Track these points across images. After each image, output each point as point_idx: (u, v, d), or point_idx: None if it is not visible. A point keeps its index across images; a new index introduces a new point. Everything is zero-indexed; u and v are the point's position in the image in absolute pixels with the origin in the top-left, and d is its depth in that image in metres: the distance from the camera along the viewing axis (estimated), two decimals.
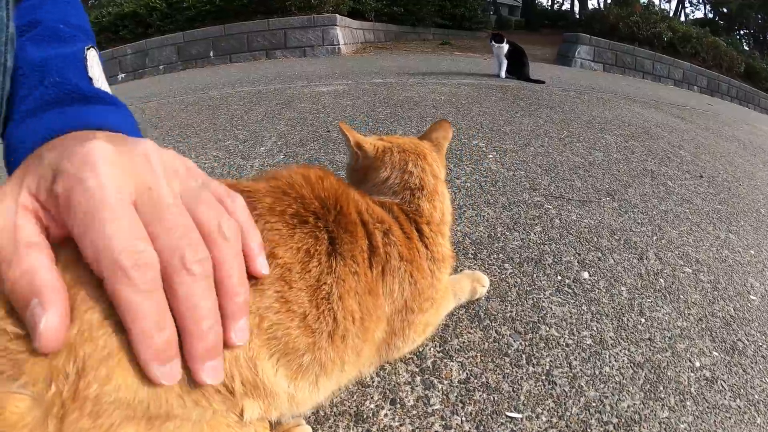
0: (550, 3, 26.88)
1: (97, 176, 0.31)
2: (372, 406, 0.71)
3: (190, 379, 0.36)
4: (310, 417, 0.69)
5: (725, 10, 16.58)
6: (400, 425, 0.68)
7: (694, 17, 22.33)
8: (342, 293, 0.53)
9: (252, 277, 0.40)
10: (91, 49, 0.49)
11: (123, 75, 7.28)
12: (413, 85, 3.64)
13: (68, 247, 0.32)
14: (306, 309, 0.49)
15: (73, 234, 0.30)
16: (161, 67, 7.16)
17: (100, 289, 0.31)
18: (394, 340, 0.65)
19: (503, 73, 4.86)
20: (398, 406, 0.72)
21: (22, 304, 0.29)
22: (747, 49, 15.18)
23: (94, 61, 0.49)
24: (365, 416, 0.69)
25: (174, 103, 3.37)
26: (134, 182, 0.33)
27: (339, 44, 7.02)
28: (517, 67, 4.72)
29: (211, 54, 7.17)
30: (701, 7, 23.02)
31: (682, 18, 18.92)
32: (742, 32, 17.93)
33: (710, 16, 19.73)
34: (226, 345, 0.36)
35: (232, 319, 0.35)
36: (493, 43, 4.81)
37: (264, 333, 0.44)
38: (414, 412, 0.71)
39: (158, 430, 0.35)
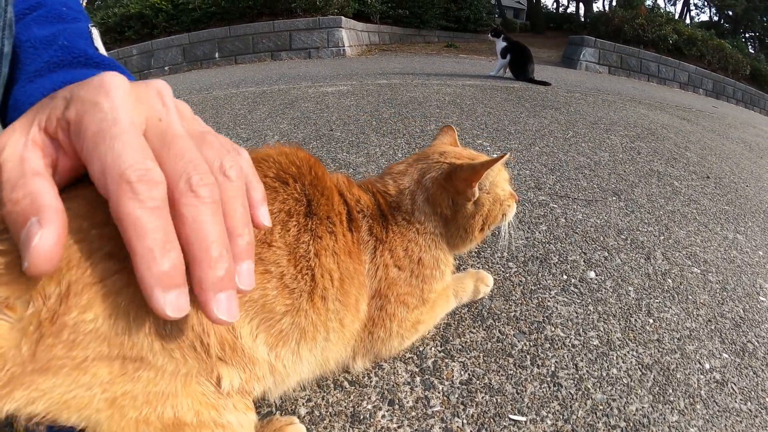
0: (555, 6, 26.86)
1: (111, 100, 0.30)
2: (369, 406, 0.69)
3: (169, 326, 0.35)
4: (304, 417, 0.67)
5: (730, 13, 16.49)
6: (398, 427, 0.66)
7: (700, 20, 22.23)
8: (319, 250, 0.53)
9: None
10: (94, 27, 0.50)
11: None
12: (417, 85, 3.63)
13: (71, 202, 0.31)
14: (284, 269, 0.49)
15: (82, 156, 0.30)
16: (166, 68, 7.19)
17: (94, 228, 0.31)
18: (375, 330, 0.64)
19: (495, 71, 4.77)
20: (397, 407, 0.69)
21: (20, 223, 0.28)
22: (752, 51, 15.12)
23: (97, 38, 0.50)
24: (362, 417, 0.67)
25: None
26: (146, 112, 0.32)
27: (344, 46, 7.02)
28: (520, 67, 4.59)
29: (217, 55, 7.19)
30: (706, 9, 22.95)
31: (687, 21, 18.82)
32: (747, 35, 17.83)
33: (715, 18, 19.63)
34: (237, 289, 0.33)
35: (236, 259, 0.33)
36: (491, 37, 4.76)
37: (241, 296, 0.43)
38: (413, 413, 0.68)
39: (131, 378, 0.34)
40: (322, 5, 7.38)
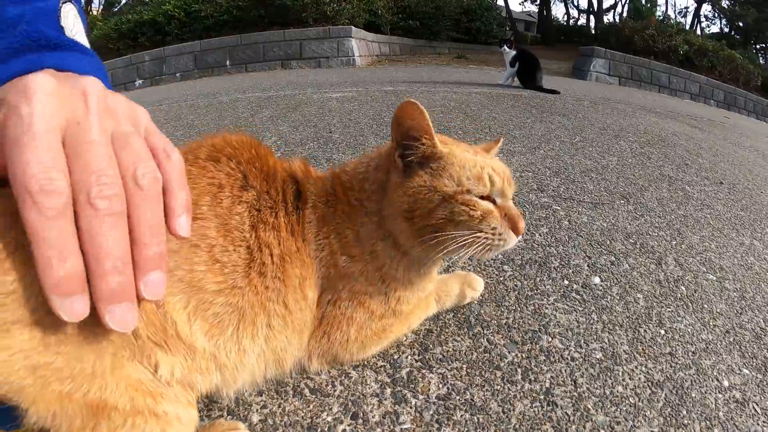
0: (565, 18, 26.88)
1: (30, 104, 0.32)
2: (329, 419, 0.60)
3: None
4: (256, 424, 0.58)
5: (741, 24, 16.29)
6: None
7: (710, 31, 22.04)
8: (256, 223, 0.51)
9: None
10: (68, 3, 0.49)
11: (140, 81, 7.40)
12: (423, 92, 3.57)
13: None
14: (213, 241, 0.47)
15: (6, 161, 0.31)
16: (178, 74, 7.27)
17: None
18: (332, 333, 0.59)
19: (504, 80, 4.73)
20: (360, 421, 0.60)
21: None
22: (764, 62, 14.93)
23: (69, 14, 0.49)
24: (319, 430, 0.58)
25: (184, 106, 3.37)
26: (66, 115, 0.33)
27: (354, 56, 7.04)
28: (528, 76, 4.53)
29: (228, 63, 7.26)
30: (717, 21, 22.78)
31: (698, 32, 18.64)
32: (758, 46, 17.58)
33: (726, 30, 19.42)
34: (138, 296, 0.34)
35: (140, 269, 0.34)
36: (504, 48, 4.72)
37: (168, 275, 0.40)
38: (378, 430, 0.59)
39: (55, 351, 0.35)
40: (333, 15, 7.44)
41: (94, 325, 0.35)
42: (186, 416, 0.45)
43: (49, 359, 0.35)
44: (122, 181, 0.34)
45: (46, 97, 0.33)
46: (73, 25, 0.49)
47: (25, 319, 0.33)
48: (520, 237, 0.59)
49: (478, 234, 0.54)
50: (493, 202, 0.57)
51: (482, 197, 0.56)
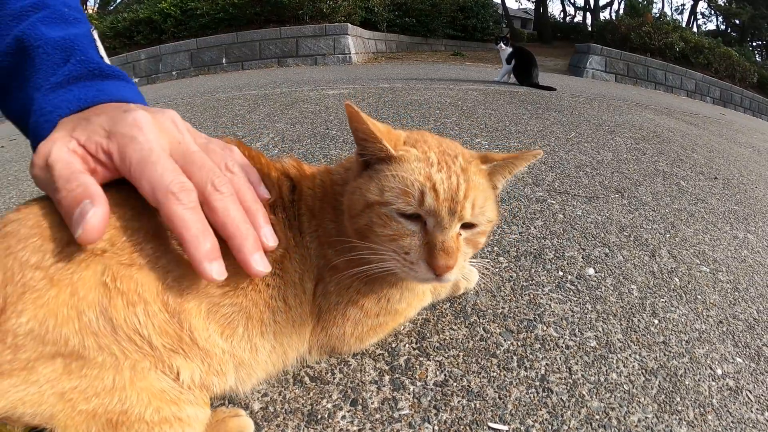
0: (562, 16, 26.89)
1: (145, 134, 0.42)
2: (329, 405, 0.61)
3: (100, 322, 0.39)
4: (257, 412, 0.59)
5: (737, 22, 16.34)
6: (359, 430, 0.57)
7: (706, 29, 22.09)
8: None
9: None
10: (94, 30, 0.58)
11: (137, 80, 7.36)
12: (420, 89, 3.57)
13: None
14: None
15: (130, 178, 0.41)
16: (174, 72, 7.23)
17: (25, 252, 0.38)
18: (328, 327, 0.58)
19: (500, 77, 4.74)
20: (360, 407, 0.61)
21: (73, 206, 0.38)
22: (759, 60, 14.98)
23: (98, 41, 0.57)
24: (319, 416, 0.59)
25: (181, 104, 3.36)
26: (168, 138, 0.44)
27: (350, 53, 7.02)
28: (524, 73, 4.54)
29: (224, 61, 7.23)
30: (713, 18, 22.85)
31: (695, 29, 18.68)
32: (754, 43, 17.63)
33: (722, 27, 19.48)
34: (264, 248, 0.45)
35: (258, 227, 0.46)
36: (500, 45, 4.73)
37: (177, 283, 0.44)
38: (377, 416, 0.60)
39: (78, 375, 0.38)
40: (329, 12, 7.41)
41: (110, 344, 0.40)
42: (202, 415, 0.48)
43: (74, 383, 0.38)
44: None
45: (152, 127, 0.43)
46: (103, 52, 0.58)
47: (46, 353, 0.37)
48: (449, 276, 0.50)
49: (390, 253, 0.50)
50: (425, 223, 0.50)
51: (407, 215, 0.49)
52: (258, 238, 0.44)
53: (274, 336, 0.51)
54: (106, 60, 0.56)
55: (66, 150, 0.41)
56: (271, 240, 0.46)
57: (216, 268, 0.40)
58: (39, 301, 0.37)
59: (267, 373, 0.55)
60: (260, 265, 0.43)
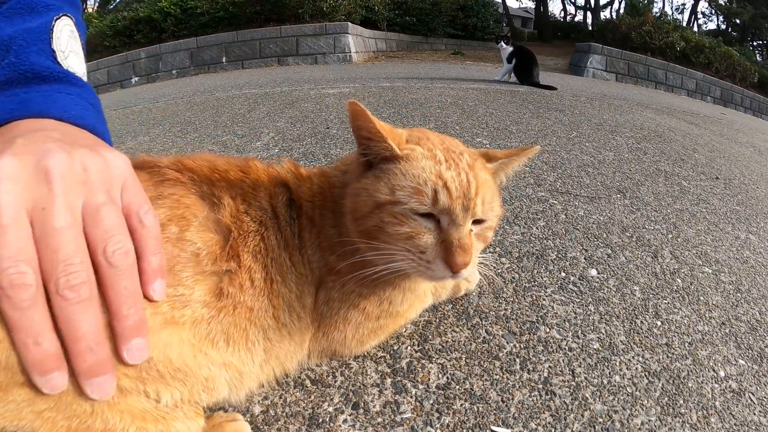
0: (562, 15, 26.85)
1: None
2: (330, 409, 0.60)
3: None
4: (258, 416, 0.59)
5: (738, 21, 16.31)
6: None
7: (707, 28, 22.06)
8: (227, 253, 0.48)
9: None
10: (63, 17, 0.49)
11: (137, 78, 7.35)
12: (420, 88, 3.56)
13: None
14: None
15: None
16: (174, 71, 7.22)
17: None
18: (329, 332, 0.58)
19: (500, 76, 4.73)
20: (361, 411, 0.60)
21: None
22: (760, 59, 14.97)
23: (63, 32, 0.49)
24: (320, 420, 0.58)
25: (181, 103, 3.35)
26: (32, 198, 0.35)
27: (350, 52, 7.01)
28: (525, 72, 4.52)
29: (224, 60, 7.22)
30: (714, 18, 22.82)
31: (695, 29, 18.65)
32: (755, 43, 17.61)
33: (723, 27, 19.45)
34: (122, 363, 0.38)
35: (121, 339, 0.37)
36: (501, 44, 4.72)
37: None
38: (379, 419, 0.59)
39: (51, 397, 0.37)
40: (330, 11, 7.41)
41: (75, 381, 0.37)
42: (194, 427, 0.46)
43: (50, 404, 0.37)
44: (94, 257, 0.36)
45: (11, 184, 0.34)
46: (66, 45, 0.49)
47: (17, 380, 0.35)
48: (463, 273, 0.49)
49: (405, 253, 0.49)
50: (439, 221, 0.50)
51: (421, 214, 0.49)
52: (100, 360, 0.36)
53: (265, 351, 0.50)
54: (75, 51, 0.49)
55: None
56: (137, 356, 0.38)
57: (49, 382, 0.35)
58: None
59: (261, 383, 0.55)
60: (95, 393, 0.37)
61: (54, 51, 0.47)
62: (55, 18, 0.48)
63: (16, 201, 0.34)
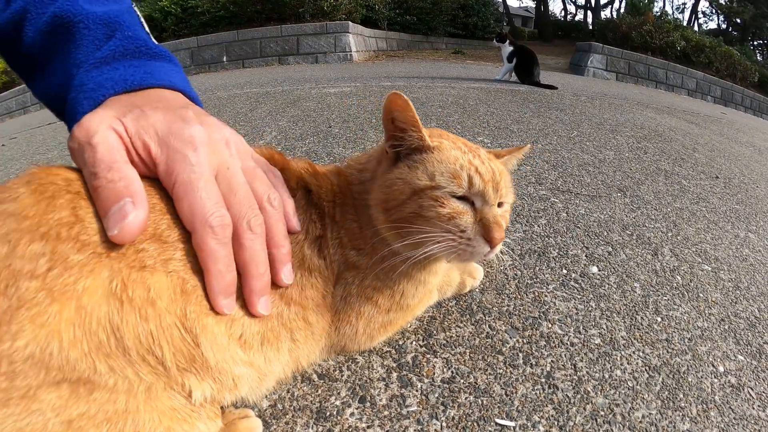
0: (563, 14, 26.84)
1: (198, 156, 0.41)
2: (338, 402, 0.61)
3: (113, 343, 0.36)
4: (266, 410, 0.60)
5: (738, 21, 16.32)
6: (368, 427, 0.58)
7: (707, 28, 22.05)
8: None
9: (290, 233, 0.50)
10: (136, 7, 0.56)
11: None
12: (421, 87, 3.57)
13: None
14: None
15: (171, 193, 0.41)
16: None
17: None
18: (341, 327, 0.59)
19: (501, 75, 4.74)
20: (368, 404, 0.61)
21: (111, 201, 0.37)
22: (760, 59, 14.98)
23: (141, 18, 0.55)
24: (328, 414, 0.60)
25: None
26: (218, 161, 0.44)
27: (351, 51, 7.02)
28: (526, 71, 4.52)
29: (224, 59, 7.22)
30: (714, 17, 22.81)
31: (696, 28, 18.64)
32: (755, 42, 17.60)
33: (723, 26, 19.46)
34: (278, 284, 0.48)
35: (280, 263, 0.47)
36: (495, 42, 4.72)
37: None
38: (386, 412, 0.60)
39: (86, 400, 0.34)
40: (330, 10, 7.42)
41: (124, 366, 0.36)
42: (214, 428, 0.47)
43: (82, 409, 0.34)
44: (260, 204, 0.45)
45: (205, 147, 0.42)
46: (146, 27, 0.55)
47: (50, 380, 0.32)
48: (497, 249, 0.54)
49: (445, 234, 0.51)
50: (472, 204, 0.54)
51: (458, 197, 0.53)
52: (269, 281, 0.46)
53: (289, 352, 0.52)
54: (152, 39, 0.53)
55: (113, 134, 0.39)
56: (288, 278, 0.48)
57: (227, 303, 0.42)
58: (39, 320, 0.32)
59: (279, 382, 0.56)
60: (262, 308, 0.45)
61: (148, 34, 0.53)
62: (132, 5, 0.54)
63: (209, 161, 0.42)
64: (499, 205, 0.58)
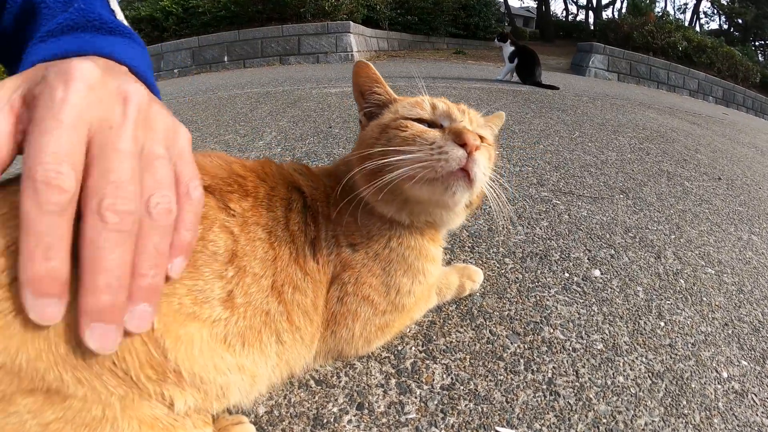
0: (564, 14, 26.81)
1: (66, 90, 0.30)
2: (335, 409, 0.60)
3: (79, 354, 0.33)
4: (262, 416, 0.59)
5: (740, 21, 16.28)
6: None
7: (709, 28, 22.02)
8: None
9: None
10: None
11: None
12: (422, 88, 3.56)
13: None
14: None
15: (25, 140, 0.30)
16: (176, 70, 7.23)
17: None
18: (338, 330, 0.58)
19: (502, 75, 4.73)
20: (366, 411, 0.60)
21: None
22: (762, 59, 14.95)
23: (114, 2, 0.49)
24: (325, 421, 0.59)
25: (183, 102, 3.36)
26: (100, 114, 0.31)
27: (352, 51, 7.01)
28: (527, 72, 4.52)
29: (225, 59, 7.22)
30: (716, 17, 22.76)
31: (697, 28, 18.62)
32: (757, 43, 17.54)
33: (725, 26, 19.41)
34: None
35: (131, 300, 0.32)
36: (498, 42, 4.71)
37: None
38: (384, 420, 0.59)
39: (61, 406, 0.34)
40: (331, 10, 7.40)
41: (91, 378, 0.35)
42: None
43: (58, 414, 0.34)
44: (146, 195, 0.33)
45: (86, 88, 0.31)
46: (119, 12, 0.50)
47: (23, 387, 0.32)
48: (476, 158, 0.50)
49: (415, 155, 0.50)
50: (441, 127, 0.56)
51: (424, 121, 0.56)
52: (114, 304, 0.31)
53: (277, 354, 0.50)
54: (120, 16, 0.48)
55: (1, 105, 0.31)
56: (136, 324, 0.33)
57: (41, 308, 0.30)
58: (7, 332, 0.31)
59: (271, 387, 0.54)
60: (92, 339, 0.31)
61: (113, 11, 0.47)
62: None
63: (84, 106, 0.31)
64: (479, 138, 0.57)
